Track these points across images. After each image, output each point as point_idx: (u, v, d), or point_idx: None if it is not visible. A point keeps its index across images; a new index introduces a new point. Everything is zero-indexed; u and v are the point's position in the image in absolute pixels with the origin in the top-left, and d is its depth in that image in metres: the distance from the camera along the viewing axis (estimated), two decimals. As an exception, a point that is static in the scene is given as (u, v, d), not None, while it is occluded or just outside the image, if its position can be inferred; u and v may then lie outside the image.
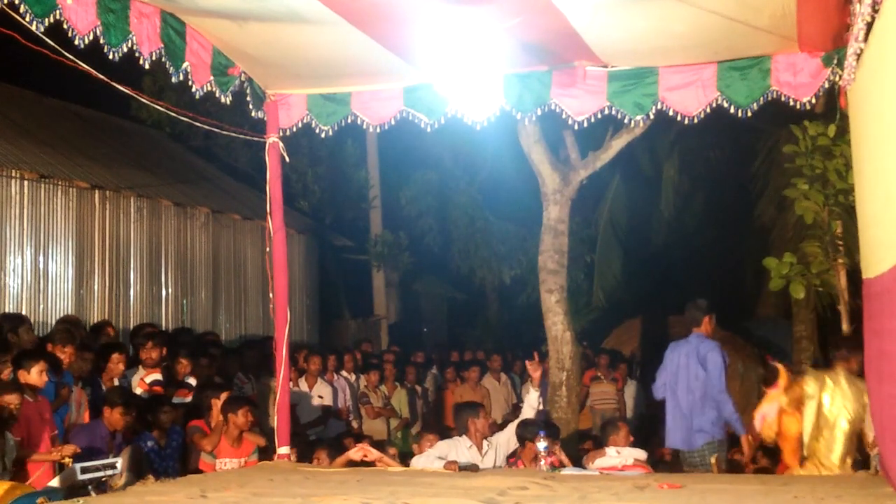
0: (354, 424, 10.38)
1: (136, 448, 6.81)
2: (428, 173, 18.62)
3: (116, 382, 7.72)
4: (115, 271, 11.15)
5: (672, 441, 7.35)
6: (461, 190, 18.19)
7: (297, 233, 14.48)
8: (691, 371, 7.18)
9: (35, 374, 6.52)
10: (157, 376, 7.99)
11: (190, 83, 6.08)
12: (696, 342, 7.26)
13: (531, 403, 7.31)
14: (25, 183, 10.12)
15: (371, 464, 6.79)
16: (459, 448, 6.87)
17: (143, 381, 7.95)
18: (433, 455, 6.77)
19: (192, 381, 8.28)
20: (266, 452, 7.32)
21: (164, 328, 11.04)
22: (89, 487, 5.71)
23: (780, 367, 6.78)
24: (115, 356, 7.75)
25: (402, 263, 18.01)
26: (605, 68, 6.52)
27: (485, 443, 7.00)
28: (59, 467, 6.17)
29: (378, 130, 7.23)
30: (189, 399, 8.07)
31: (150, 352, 8.08)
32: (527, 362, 7.54)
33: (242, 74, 6.65)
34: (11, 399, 6.03)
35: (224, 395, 7.56)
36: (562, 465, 6.79)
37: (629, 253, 16.65)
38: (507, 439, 7.12)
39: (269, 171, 7.05)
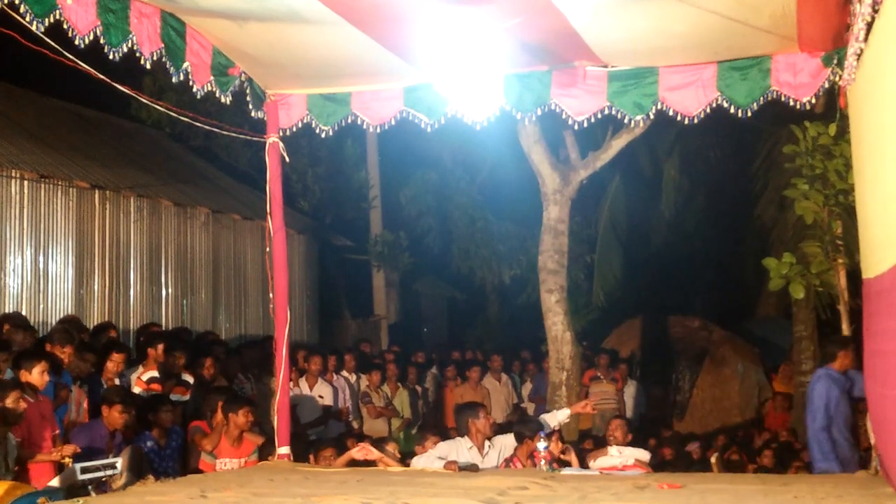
0: (355, 425, 10.37)
1: (136, 448, 6.81)
2: (428, 173, 18.58)
3: (116, 382, 7.73)
4: (115, 271, 11.15)
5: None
6: (461, 190, 18.17)
7: (297, 233, 14.48)
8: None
9: (36, 375, 6.53)
10: (154, 373, 8.00)
11: (190, 83, 6.08)
12: (819, 374, 7.09)
13: (558, 420, 7.40)
14: (25, 183, 10.12)
15: (372, 463, 6.79)
16: (460, 448, 6.85)
17: (141, 379, 7.96)
18: (433, 455, 6.76)
19: (189, 379, 8.28)
20: (266, 452, 7.33)
21: (164, 328, 11.04)
22: (89, 487, 5.71)
23: None
24: (115, 355, 7.76)
25: (402, 263, 17.99)
26: (605, 68, 6.51)
27: (486, 443, 6.97)
28: (60, 467, 6.17)
29: (378, 130, 7.23)
30: (186, 397, 8.08)
31: (153, 351, 8.10)
32: (580, 403, 8.00)
33: (242, 74, 6.65)
34: (14, 399, 6.03)
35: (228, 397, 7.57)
36: (569, 465, 6.81)
37: (629, 253, 16.64)
38: (512, 443, 7.10)
39: (269, 171, 7.05)
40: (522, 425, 7.13)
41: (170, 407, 7.42)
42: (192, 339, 10.07)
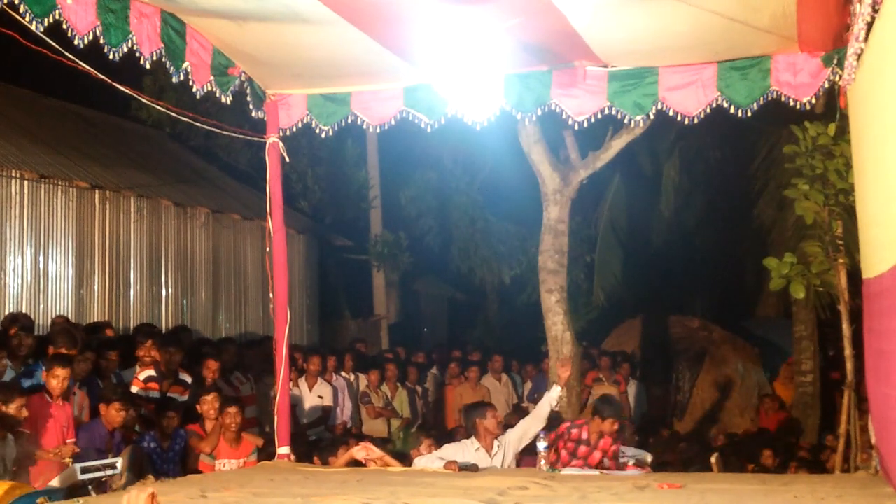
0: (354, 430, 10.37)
1: (136, 448, 6.82)
2: (428, 173, 18.57)
3: (114, 380, 7.75)
4: (115, 271, 11.15)
5: None
6: (461, 190, 18.15)
7: (297, 233, 14.47)
8: None
9: (57, 380, 6.54)
10: (151, 373, 8.01)
11: (190, 83, 6.08)
12: None
13: (551, 401, 7.23)
14: (25, 183, 10.12)
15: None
16: (466, 450, 6.78)
17: (138, 378, 7.97)
18: (435, 456, 6.76)
19: (187, 379, 8.28)
20: (266, 453, 7.33)
21: (163, 328, 11.04)
22: (89, 487, 5.71)
23: None
24: (109, 354, 7.82)
25: (402, 263, 17.97)
26: (605, 68, 6.52)
27: (495, 443, 6.90)
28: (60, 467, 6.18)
29: (378, 130, 7.23)
30: (185, 397, 8.08)
31: (148, 350, 8.11)
32: (557, 364, 7.61)
33: (242, 74, 6.65)
34: (17, 404, 6.04)
35: (211, 396, 7.56)
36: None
37: (629, 253, 16.63)
38: (518, 437, 7.06)
39: (269, 171, 7.05)
40: (603, 404, 7.09)
41: (174, 414, 7.43)
42: (192, 338, 10.06)
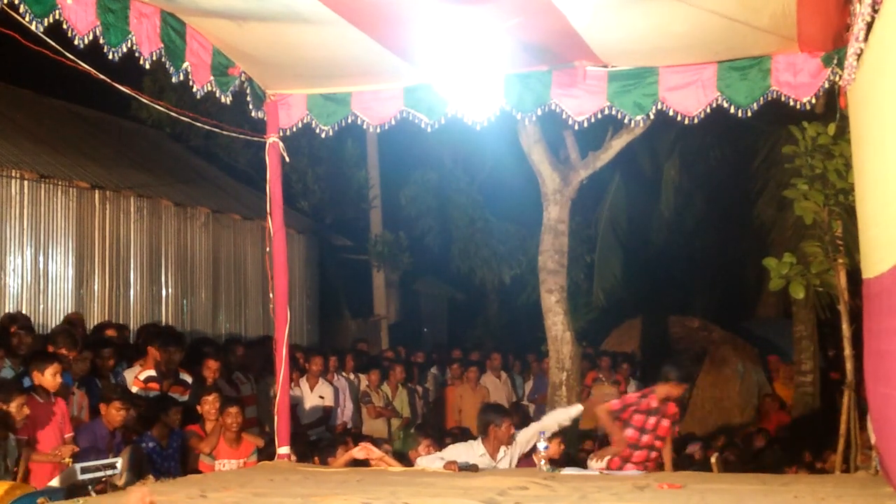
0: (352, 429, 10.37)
1: (136, 448, 6.81)
2: (428, 173, 18.55)
3: (112, 380, 7.75)
4: (115, 271, 11.15)
5: None
6: (461, 190, 18.13)
7: (297, 233, 14.48)
8: None
9: (49, 377, 6.55)
10: (151, 373, 8.01)
11: (190, 83, 6.08)
12: None
13: (570, 416, 7.39)
14: (25, 183, 10.12)
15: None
16: (471, 453, 6.75)
17: (138, 378, 7.97)
18: (437, 456, 6.75)
19: (188, 379, 8.29)
20: (266, 453, 7.32)
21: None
22: (89, 487, 5.70)
23: None
24: (106, 352, 7.80)
25: (402, 263, 17.97)
26: (606, 68, 6.52)
27: (502, 449, 6.88)
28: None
29: (378, 130, 7.24)
30: (185, 397, 8.09)
31: (150, 350, 8.11)
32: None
33: (242, 74, 6.65)
34: (18, 405, 6.04)
35: (212, 396, 7.56)
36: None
37: (629, 253, 16.63)
38: (527, 440, 7.03)
39: (269, 171, 7.06)
40: (671, 367, 7.01)
41: (180, 408, 7.43)
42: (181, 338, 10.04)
